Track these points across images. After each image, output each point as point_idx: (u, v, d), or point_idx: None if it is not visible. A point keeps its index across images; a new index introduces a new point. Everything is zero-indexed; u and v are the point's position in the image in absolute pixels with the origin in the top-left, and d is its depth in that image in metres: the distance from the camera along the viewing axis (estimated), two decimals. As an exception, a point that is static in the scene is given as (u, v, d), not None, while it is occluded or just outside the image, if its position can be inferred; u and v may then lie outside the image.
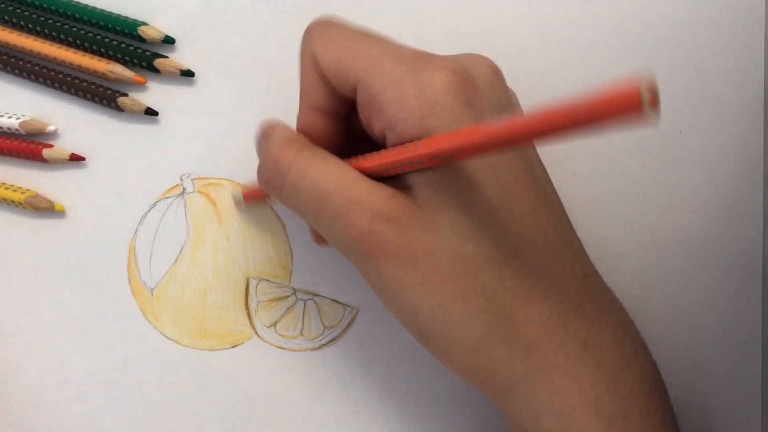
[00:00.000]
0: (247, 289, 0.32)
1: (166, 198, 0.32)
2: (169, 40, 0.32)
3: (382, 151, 0.23)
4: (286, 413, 0.32)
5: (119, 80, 0.32)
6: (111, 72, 0.31)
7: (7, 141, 0.32)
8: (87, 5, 0.32)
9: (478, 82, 0.23)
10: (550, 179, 0.26)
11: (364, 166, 0.24)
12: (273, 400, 0.32)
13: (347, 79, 0.24)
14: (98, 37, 0.32)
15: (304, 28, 0.26)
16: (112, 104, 0.31)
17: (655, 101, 0.14)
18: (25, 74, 0.32)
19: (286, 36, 0.32)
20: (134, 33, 0.31)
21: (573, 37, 0.31)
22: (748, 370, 0.30)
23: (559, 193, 0.26)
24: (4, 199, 0.32)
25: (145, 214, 0.32)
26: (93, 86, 0.32)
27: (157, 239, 0.32)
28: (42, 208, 0.32)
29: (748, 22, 0.31)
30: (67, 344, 0.32)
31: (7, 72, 0.32)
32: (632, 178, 0.31)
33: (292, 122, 0.27)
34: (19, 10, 0.32)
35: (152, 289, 0.32)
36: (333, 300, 0.32)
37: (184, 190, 0.32)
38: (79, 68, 0.32)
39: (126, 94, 0.32)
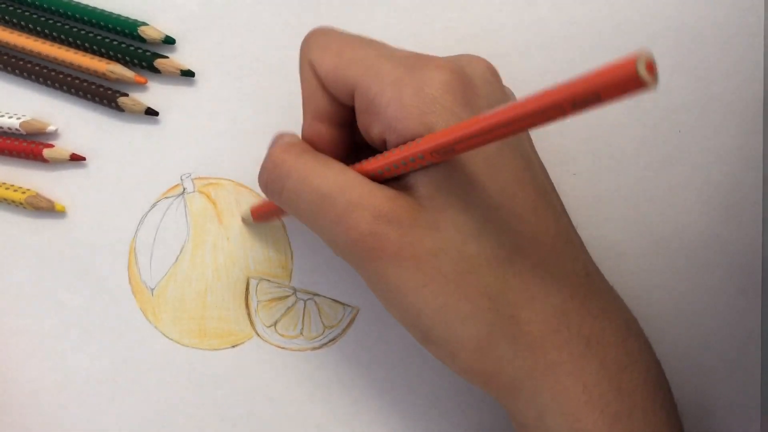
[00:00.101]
0: (247, 289, 0.32)
1: (166, 198, 0.32)
2: (169, 41, 0.32)
3: (384, 153, 0.23)
4: (286, 413, 0.32)
5: (120, 80, 0.32)
6: (111, 72, 0.31)
7: (8, 141, 0.32)
8: (87, 5, 0.32)
9: (475, 80, 0.24)
10: (549, 177, 0.26)
11: (365, 168, 0.24)
12: (273, 400, 0.32)
13: (345, 84, 0.24)
14: (98, 37, 0.32)
15: (304, 28, 0.26)
16: (113, 104, 0.31)
17: (652, 70, 0.14)
18: (25, 74, 0.32)
19: (286, 36, 0.32)
20: (134, 33, 0.31)
21: (573, 38, 0.31)
22: (748, 370, 0.30)
23: (559, 193, 0.26)
24: (5, 199, 0.32)
25: (146, 214, 0.32)
26: (93, 86, 0.32)
27: (158, 239, 0.32)
28: (42, 207, 0.32)
29: (748, 22, 0.31)
30: (67, 344, 0.32)
31: (8, 72, 0.32)
32: (632, 178, 0.31)
33: (294, 122, 0.27)
34: (19, 10, 0.32)
35: (152, 289, 0.32)
36: (333, 300, 0.32)
37: (184, 190, 0.32)
38: (79, 68, 0.32)
39: (126, 94, 0.32)
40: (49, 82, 0.32)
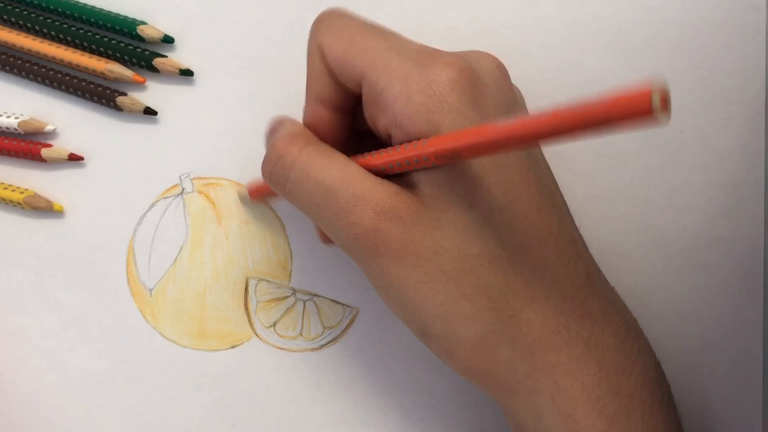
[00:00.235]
0: (246, 289, 0.32)
1: (165, 198, 0.32)
2: (168, 40, 0.32)
3: (389, 149, 0.23)
4: (286, 413, 0.32)
5: (118, 80, 0.31)
6: (110, 71, 0.31)
7: (6, 141, 0.32)
8: (86, 5, 0.32)
9: (483, 79, 0.23)
10: (554, 178, 0.26)
11: (370, 163, 0.24)
12: (273, 400, 0.32)
13: (353, 73, 0.24)
14: (97, 36, 0.32)
15: (304, 27, 0.26)
16: (111, 104, 0.31)
17: (665, 104, 0.14)
18: (24, 74, 0.32)
19: (286, 36, 0.32)
20: (133, 32, 0.31)
21: (573, 37, 0.31)
22: (749, 370, 0.30)
23: (560, 193, 0.26)
24: (3, 199, 0.32)
25: (144, 214, 0.32)
26: (92, 86, 0.32)
27: (156, 239, 0.32)
28: (41, 207, 0.32)
29: (750, 22, 0.30)
30: (66, 344, 0.32)
31: (6, 71, 0.32)
32: (633, 178, 0.31)
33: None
34: (18, 10, 0.32)
35: (151, 290, 0.32)
36: (333, 300, 0.32)
37: (183, 190, 0.32)
38: (78, 68, 0.32)
39: (125, 94, 0.32)
40: (47, 81, 0.32)
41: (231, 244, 0.32)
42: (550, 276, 0.23)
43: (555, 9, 0.31)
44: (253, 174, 0.28)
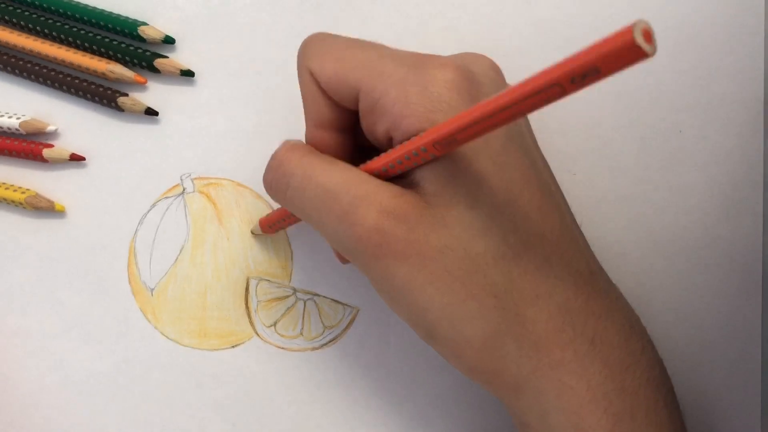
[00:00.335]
0: (247, 289, 0.32)
1: (166, 198, 0.32)
2: (169, 40, 0.32)
3: (389, 150, 0.23)
4: (286, 413, 0.32)
5: (119, 80, 0.32)
6: (111, 72, 0.31)
7: (8, 141, 0.32)
8: (87, 5, 0.32)
9: (480, 78, 0.24)
10: (554, 176, 0.26)
11: (370, 167, 0.24)
12: (273, 400, 0.32)
13: (348, 89, 0.24)
14: (98, 37, 0.32)
15: (304, 28, 0.26)
16: (113, 104, 0.31)
17: (649, 36, 0.14)
18: (25, 74, 0.32)
19: (286, 36, 0.32)
20: (134, 33, 0.31)
21: (573, 38, 0.31)
22: (748, 370, 0.30)
23: (560, 193, 0.26)
24: (5, 199, 0.32)
25: (145, 214, 0.32)
26: (93, 86, 0.32)
27: (157, 239, 0.32)
28: (42, 207, 0.32)
29: (748, 22, 0.31)
30: (67, 344, 0.32)
31: (8, 72, 0.32)
32: (632, 178, 0.31)
33: (294, 121, 0.27)
34: (19, 10, 0.32)
35: (152, 289, 0.32)
36: (333, 300, 0.32)
37: (184, 189, 0.32)
38: (79, 68, 0.32)
39: (126, 94, 0.32)
40: (48, 81, 0.32)
41: (232, 243, 0.32)
42: (553, 274, 0.23)
43: (555, 9, 0.31)
44: (253, 174, 0.28)
